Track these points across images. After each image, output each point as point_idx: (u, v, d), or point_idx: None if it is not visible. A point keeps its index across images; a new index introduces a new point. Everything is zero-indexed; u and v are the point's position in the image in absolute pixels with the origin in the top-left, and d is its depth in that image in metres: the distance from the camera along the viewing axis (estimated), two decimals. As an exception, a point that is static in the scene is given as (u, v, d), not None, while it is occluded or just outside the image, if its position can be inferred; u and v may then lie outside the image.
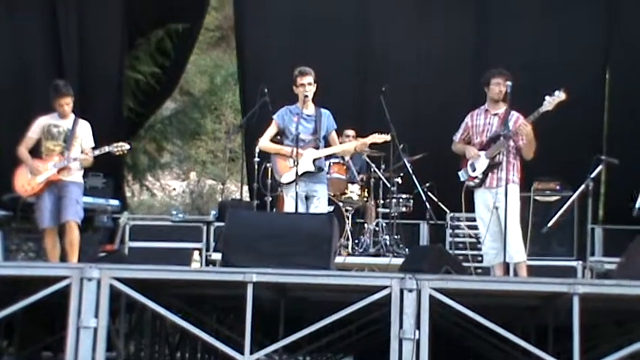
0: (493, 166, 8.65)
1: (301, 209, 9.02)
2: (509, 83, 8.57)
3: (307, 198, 9.19)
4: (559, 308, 6.97)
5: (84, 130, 9.53)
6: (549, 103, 8.41)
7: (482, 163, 8.71)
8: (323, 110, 9.37)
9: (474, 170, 8.79)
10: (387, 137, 9.81)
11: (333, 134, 9.46)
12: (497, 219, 8.54)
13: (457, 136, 9.09)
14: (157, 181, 19.58)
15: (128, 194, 15.52)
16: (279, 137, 9.45)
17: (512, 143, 8.62)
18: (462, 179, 8.92)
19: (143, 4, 13.09)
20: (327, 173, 10.04)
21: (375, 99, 11.13)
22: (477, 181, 8.75)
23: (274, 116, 9.42)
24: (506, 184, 8.44)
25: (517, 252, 8.51)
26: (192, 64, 17.26)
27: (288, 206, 9.16)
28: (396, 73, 12.40)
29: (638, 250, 7.37)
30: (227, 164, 22.23)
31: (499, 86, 8.71)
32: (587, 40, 12.41)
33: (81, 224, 9.46)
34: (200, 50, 19.19)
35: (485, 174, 8.69)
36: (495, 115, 8.76)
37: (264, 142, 9.46)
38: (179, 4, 13.50)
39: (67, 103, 9.46)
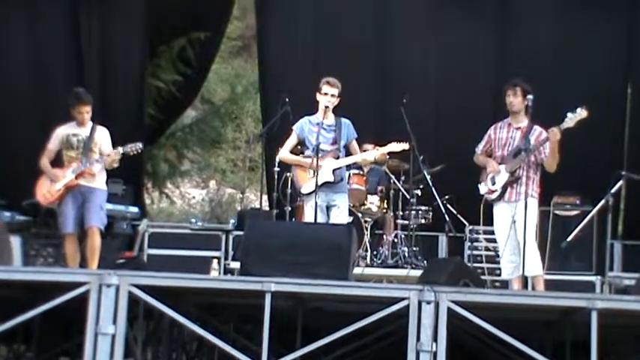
0: (513, 181, 8.64)
1: (321, 219, 9.05)
2: (530, 97, 8.55)
3: (328, 208, 9.23)
4: (577, 323, 6.94)
5: (103, 136, 9.58)
6: (570, 120, 8.40)
7: (502, 177, 8.70)
8: (343, 120, 9.40)
9: (493, 184, 8.78)
10: (406, 146, 9.80)
11: (354, 143, 9.48)
12: (515, 233, 8.53)
13: (479, 148, 9.08)
14: (176, 189, 19.62)
15: (147, 201, 15.55)
16: (299, 147, 9.48)
17: (532, 158, 8.60)
18: (481, 192, 8.91)
19: (166, 13, 13.14)
20: (347, 184, 10.05)
21: (395, 110, 11.12)
22: (496, 194, 8.75)
23: (294, 127, 9.46)
24: (526, 198, 8.44)
25: (534, 265, 8.51)
26: (213, 73, 17.27)
27: (308, 216, 9.19)
28: (416, 85, 12.38)
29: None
30: (247, 173, 22.24)
31: (509, 98, 8.71)
32: (608, 53, 12.36)
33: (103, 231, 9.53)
34: (222, 59, 19.21)
35: (504, 188, 8.67)
36: (518, 128, 8.75)
37: (284, 153, 9.53)
38: (201, 12, 13.53)
39: (87, 111, 9.52)
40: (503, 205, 8.72)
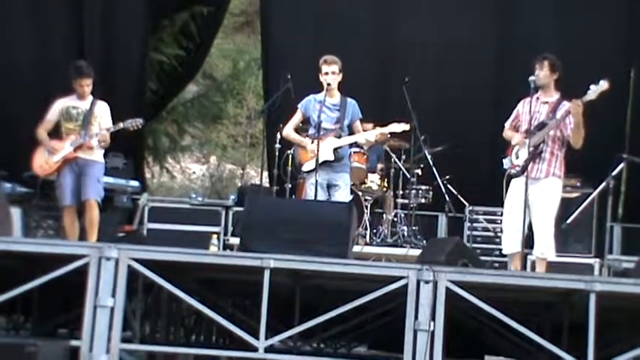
0: (535, 155, 8.41)
1: (322, 198, 9.07)
2: (531, 78, 8.46)
3: (329, 187, 9.26)
4: (575, 305, 6.96)
5: (103, 111, 9.58)
6: (593, 92, 8.22)
7: (525, 151, 8.44)
8: (349, 99, 9.41)
9: (517, 158, 8.55)
10: (406, 127, 9.80)
11: (357, 123, 9.48)
12: (529, 211, 8.36)
13: (508, 123, 8.87)
14: (177, 164, 19.62)
15: (148, 176, 15.56)
16: (305, 125, 9.51)
17: (558, 133, 8.44)
18: (505, 167, 8.68)
19: (168, -14, 13.13)
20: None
21: (397, 90, 11.14)
22: (518, 169, 8.50)
23: (299, 104, 9.47)
24: (547, 176, 8.38)
25: (548, 247, 8.41)
26: (215, 48, 17.23)
27: (309, 194, 9.21)
28: (418, 64, 12.38)
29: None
30: (247, 149, 22.24)
31: (536, 72, 8.48)
32: (612, 36, 12.34)
33: (101, 203, 9.53)
34: (224, 34, 19.16)
35: (526, 162, 8.39)
36: (545, 103, 8.55)
37: (288, 131, 9.59)
38: (204, -14, 13.52)
39: (88, 84, 9.51)
40: (523, 180, 8.38)
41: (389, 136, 10.21)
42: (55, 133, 9.60)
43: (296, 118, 9.55)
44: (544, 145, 8.43)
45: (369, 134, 9.61)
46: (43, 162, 9.52)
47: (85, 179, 9.38)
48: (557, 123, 8.38)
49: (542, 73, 8.50)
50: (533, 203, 8.38)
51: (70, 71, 9.64)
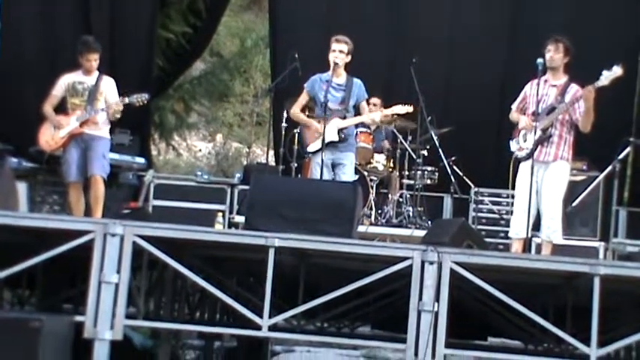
0: (544, 139, 8.36)
1: (327, 177, 9.08)
2: (539, 60, 8.42)
3: (334, 166, 9.28)
4: (579, 288, 6.97)
5: (108, 86, 9.57)
6: (606, 78, 8.15)
7: (533, 134, 8.36)
8: (355, 79, 9.41)
9: (525, 141, 8.49)
10: (410, 108, 9.80)
11: (364, 104, 9.49)
12: (537, 195, 8.32)
13: (515, 105, 8.80)
14: (183, 141, 19.60)
15: (154, 152, 15.56)
16: (313, 105, 9.53)
17: (567, 117, 8.40)
18: (512, 149, 8.65)
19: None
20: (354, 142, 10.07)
21: (405, 70, 11.11)
22: (526, 152, 8.45)
23: (305, 84, 9.47)
24: (555, 159, 8.36)
25: (555, 231, 8.38)
26: (223, 26, 17.20)
27: (314, 175, 9.23)
28: (428, 45, 12.32)
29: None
30: (254, 128, 22.22)
31: (549, 53, 8.42)
32: (621, 21, 12.30)
33: (106, 180, 9.54)
34: (232, 12, 19.12)
35: (535, 145, 8.35)
36: (554, 86, 8.49)
37: (295, 111, 9.62)
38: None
39: (95, 59, 9.50)
40: (531, 163, 8.34)
41: (394, 117, 10.19)
42: (61, 108, 9.60)
43: (302, 99, 9.56)
44: (553, 128, 8.40)
45: (373, 115, 9.62)
46: (49, 137, 9.52)
47: (91, 155, 9.39)
48: (566, 107, 8.35)
49: (557, 56, 8.45)
50: (542, 187, 8.37)
51: (77, 46, 9.63)
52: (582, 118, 8.30)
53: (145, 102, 9.62)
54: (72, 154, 9.41)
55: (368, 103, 9.86)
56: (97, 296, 6.58)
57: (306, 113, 9.78)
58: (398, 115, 9.99)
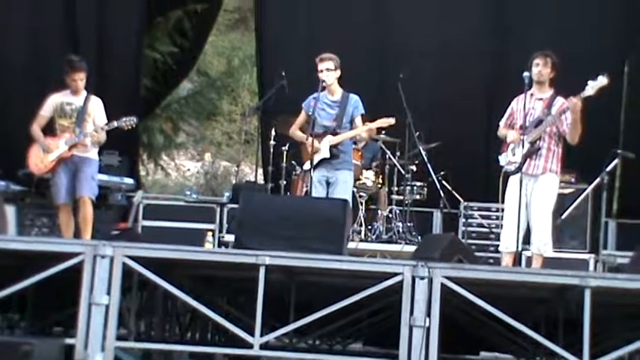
0: (533, 152, 8.41)
1: (322, 194, 9.08)
2: (526, 74, 8.46)
3: (328, 184, 9.27)
4: (570, 301, 6.96)
5: (96, 107, 9.55)
6: (592, 88, 8.20)
7: (522, 148, 8.41)
8: (351, 95, 9.42)
9: (513, 155, 8.54)
10: (392, 121, 9.83)
11: (358, 120, 9.47)
12: (527, 208, 8.37)
13: (502, 121, 8.85)
14: (171, 161, 19.64)
15: (143, 173, 15.57)
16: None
17: (554, 129, 8.44)
18: (501, 163, 8.69)
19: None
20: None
21: (392, 85, 11.15)
22: (515, 165, 8.48)
23: (303, 104, 9.50)
24: (544, 172, 8.38)
25: (546, 244, 8.43)
26: (210, 45, 17.25)
27: (311, 192, 9.24)
28: (415, 61, 12.36)
29: (651, 244, 7.36)
30: (242, 146, 22.21)
31: (538, 67, 8.50)
32: (607, 31, 12.35)
33: (95, 201, 9.52)
34: (218, 31, 19.18)
35: (524, 159, 8.39)
36: (540, 99, 8.56)
37: (293, 130, 9.63)
38: (198, -16, 13.53)
39: (81, 78, 9.46)
40: (520, 177, 8.37)
41: (382, 132, 10.22)
42: (49, 128, 9.57)
43: (301, 118, 9.57)
44: (541, 141, 8.43)
45: (356, 131, 9.63)
46: (38, 161, 9.49)
47: (80, 176, 9.36)
48: (554, 119, 8.39)
49: (546, 70, 8.53)
50: (531, 200, 8.39)
51: (63, 66, 9.60)
52: (570, 130, 8.35)
53: (134, 125, 9.60)
54: (61, 176, 9.39)
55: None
56: (88, 318, 6.54)
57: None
58: (381, 128, 10.00)
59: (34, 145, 9.53)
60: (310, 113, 9.31)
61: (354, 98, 9.43)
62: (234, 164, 22.29)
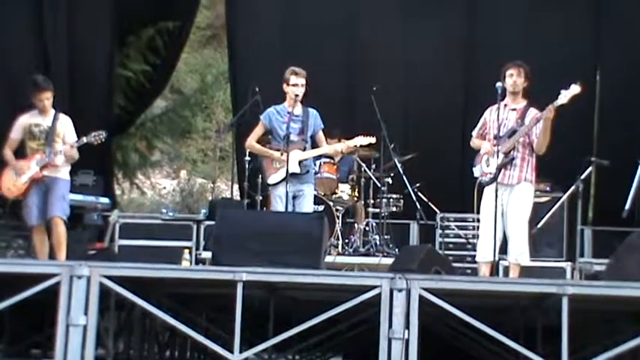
0: (507, 162, 8.42)
1: (282, 209, 9.07)
2: (499, 84, 8.49)
3: (295, 197, 9.27)
4: (548, 309, 6.98)
5: (66, 126, 9.45)
6: (564, 96, 8.24)
7: (496, 159, 8.43)
8: (311, 110, 9.43)
9: (488, 166, 8.56)
10: (372, 139, 9.86)
11: (320, 134, 9.51)
12: (503, 218, 8.39)
13: (475, 131, 8.88)
14: (147, 180, 19.57)
15: (118, 192, 15.49)
16: (268, 137, 9.49)
17: (527, 139, 8.46)
18: (475, 175, 8.71)
19: (134, 2, 13.08)
20: (317, 173, 10.11)
21: (365, 99, 11.17)
22: (490, 176, 8.50)
23: (261, 116, 9.46)
24: (519, 182, 8.41)
25: (522, 253, 8.44)
26: (183, 63, 17.24)
27: (275, 206, 9.21)
28: (386, 73, 12.41)
29: (626, 251, 7.38)
30: (217, 163, 22.23)
31: (512, 77, 8.52)
32: (578, 40, 12.44)
33: (69, 221, 9.45)
34: (191, 49, 19.18)
35: (498, 170, 8.41)
36: (514, 109, 8.58)
37: (251, 143, 9.57)
38: (170, 2, 13.50)
39: (47, 97, 9.37)
40: (495, 188, 8.39)
41: (357, 146, 10.23)
42: (21, 150, 9.50)
43: (258, 130, 9.52)
44: (515, 151, 8.47)
45: (335, 146, 9.64)
46: (10, 184, 9.40)
47: (51, 197, 9.28)
48: (527, 129, 8.42)
49: (520, 80, 8.56)
50: (507, 210, 8.42)
51: (28, 87, 9.52)
52: (538, 139, 8.39)
53: (103, 140, 9.50)
54: (33, 197, 9.31)
55: (330, 135, 9.89)
56: (65, 340, 6.49)
57: (264, 146, 9.74)
58: (360, 146, 10.02)
59: (7, 168, 9.45)
60: (275, 127, 9.31)
61: (314, 112, 9.46)
62: (210, 181, 22.33)
